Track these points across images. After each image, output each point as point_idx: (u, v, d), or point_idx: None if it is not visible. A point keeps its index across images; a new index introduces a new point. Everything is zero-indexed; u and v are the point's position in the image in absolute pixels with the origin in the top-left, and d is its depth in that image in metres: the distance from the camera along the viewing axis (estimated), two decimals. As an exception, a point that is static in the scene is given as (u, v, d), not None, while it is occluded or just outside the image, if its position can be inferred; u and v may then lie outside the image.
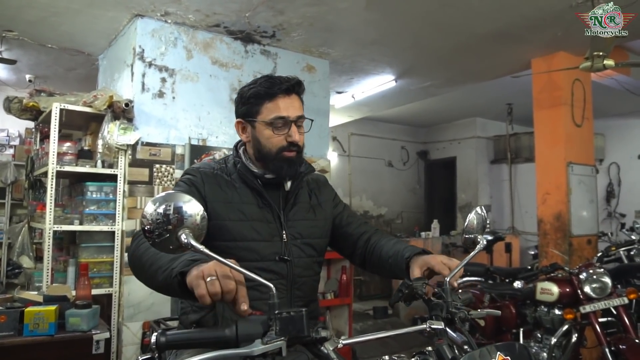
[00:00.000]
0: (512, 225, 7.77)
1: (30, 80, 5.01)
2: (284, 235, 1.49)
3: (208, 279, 0.96)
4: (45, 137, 3.71)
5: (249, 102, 1.50)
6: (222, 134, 3.85)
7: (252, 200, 1.49)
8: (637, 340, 2.63)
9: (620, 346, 2.60)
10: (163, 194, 0.94)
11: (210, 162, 1.60)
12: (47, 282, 3.13)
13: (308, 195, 1.62)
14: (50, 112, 3.28)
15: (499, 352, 0.92)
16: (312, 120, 1.54)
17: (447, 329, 1.09)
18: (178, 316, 1.65)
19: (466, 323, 1.14)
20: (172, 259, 1.09)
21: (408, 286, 1.19)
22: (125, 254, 3.35)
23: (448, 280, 1.18)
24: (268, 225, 1.49)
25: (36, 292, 2.90)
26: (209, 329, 0.97)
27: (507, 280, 3.72)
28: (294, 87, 1.48)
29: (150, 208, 0.91)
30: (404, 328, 1.09)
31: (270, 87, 1.46)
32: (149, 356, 1.82)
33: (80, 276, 2.82)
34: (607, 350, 2.62)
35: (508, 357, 0.92)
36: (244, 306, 0.96)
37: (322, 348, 0.96)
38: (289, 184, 1.55)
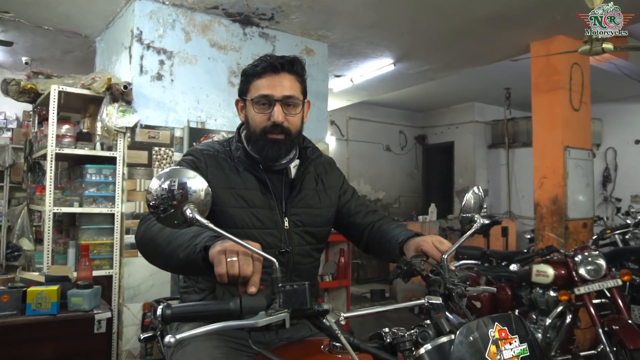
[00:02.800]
0: (509, 210, 7.82)
1: (26, 63, 4.97)
2: (286, 223, 1.47)
3: (229, 259, 0.98)
4: (43, 119, 3.70)
5: (242, 80, 1.49)
6: (221, 117, 3.85)
7: (256, 186, 1.46)
8: (630, 321, 2.68)
9: (614, 327, 2.64)
10: (168, 169, 0.95)
11: (214, 144, 1.56)
12: (48, 263, 3.14)
13: (314, 181, 1.58)
14: (48, 94, 3.26)
15: (496, 323, 0.94)
16: (305, 101, 1.48)
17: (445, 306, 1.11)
18: (179, 295, 1.67)
19: (463, 299, 1.17)
20: (193, 237, 1.10)
21: (407, 263, 1.21)
22: (126, 236, 3.37)
23: (446, 257, 1.21)
24: (270, 212, 1.46)
25: (38, 273, 2.93)
26: (214, 302, 1.00)
27: (503, 263, 3.75)
28: (283, 65, 1.41)
29: (155, 184, 0.93)
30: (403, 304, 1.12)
31: (258, 65, 1.43)
32: (151, 334, 1.86)
33: (81, 257, 2.84)
34: (600, 330, 2.66)
35: (505, 328, 0.94)
36: (253, 289, 0.98)
37: (325, 320, 0.98)
38: (293, 171, 1.51)
